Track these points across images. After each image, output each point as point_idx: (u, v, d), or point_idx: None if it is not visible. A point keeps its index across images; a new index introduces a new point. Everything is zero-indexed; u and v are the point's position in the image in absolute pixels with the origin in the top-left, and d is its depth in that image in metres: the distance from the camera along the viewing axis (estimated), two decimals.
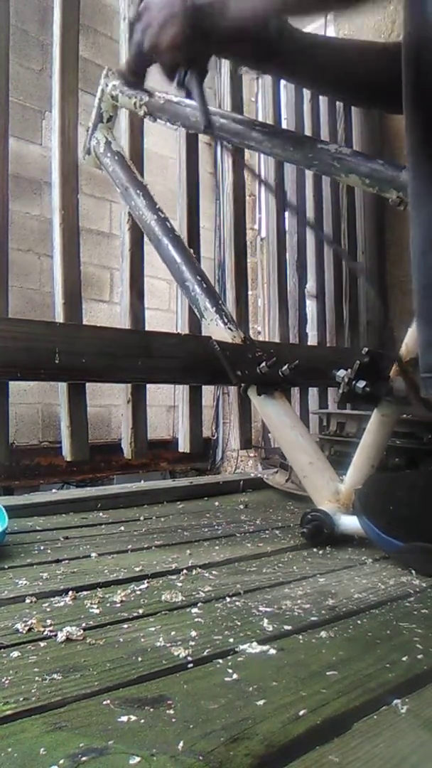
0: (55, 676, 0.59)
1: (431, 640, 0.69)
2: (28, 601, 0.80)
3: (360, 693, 0.56)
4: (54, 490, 1.71)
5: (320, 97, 2.33)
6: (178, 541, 1.15)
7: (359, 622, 0.74)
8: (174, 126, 1.42)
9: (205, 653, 0.64)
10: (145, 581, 0.88)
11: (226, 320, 1.32)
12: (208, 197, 3.46)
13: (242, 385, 1.28)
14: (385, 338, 2.38)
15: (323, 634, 0.70)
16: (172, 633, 0.70)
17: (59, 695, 0.55)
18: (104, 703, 0.54)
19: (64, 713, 0.52)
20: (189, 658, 0.63)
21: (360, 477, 1.16)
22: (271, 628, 0.71)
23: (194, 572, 0.94)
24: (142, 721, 0.51)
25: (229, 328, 1.31)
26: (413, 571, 0.96)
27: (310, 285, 2.31)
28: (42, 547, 1.08)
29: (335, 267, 2.34)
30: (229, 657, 0.63)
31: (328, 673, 0.60)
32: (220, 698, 0.55)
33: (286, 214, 2.22)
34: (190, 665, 0.62)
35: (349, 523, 1.11)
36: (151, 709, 0.52)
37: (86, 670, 0.60)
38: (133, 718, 0.51)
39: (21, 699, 0.54)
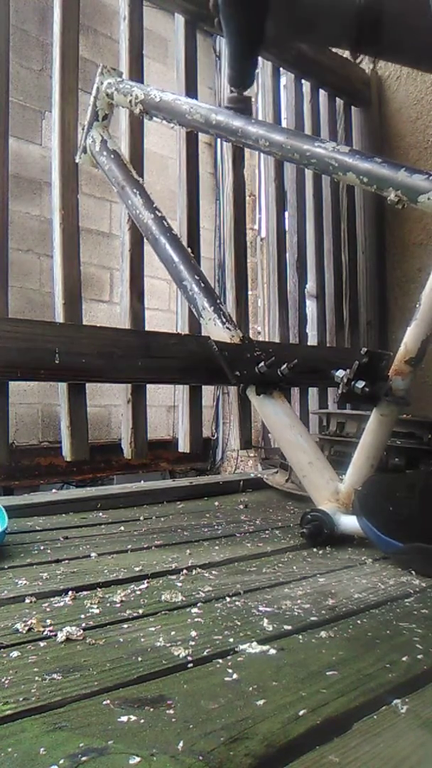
0: (55, 676, 0.59)
1: (431, 640, 0.69)
2: (28, 601, 0.80)
3: (360, 693, 0.56)
4: (54, 490, 1.71)
5: (320, 97, 2.33)
6: (178, 541, 1.15)
7: (359, 622, 0.74)
8: (170, 124, 1.42)
9: (205, 653, 0.64)
10: (145, 581, 0.88)
11: (224, 320, 1.32)
12: (208, 197, 3.46)
13: (241, 385, 1.28)
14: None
15: (323, 634, 0.70)
16: (172, 633, 0.70)
17: (59, 695, 0.55)
18: (104, 703, 0.54)
19: (64, 713, 0.52)
20: (189, 658, 0.63)
21: (359, 477, 1.16)
22: (271, 628, 0.71)
23: (194, 572, 0.94)
24: (142, 721, 0.51)
25: (228, 328, 1.31)
26: (413, 571, 0.96)
27: (310, 285, 2.31)
28: (42, 547, 1.08)
29: (335, 267, 2.34)
30: (229, 657, 0.63)
31: (328, 673, 0.60)
32: (220, 698, 0.55)
33: (286, 214, 2.22)
34: (190, 665, 0.62)
35: (349, 523, 1.11)
36: (151, 709, 0.52)
37: (86, 670, 0.60)
38: (133, 718, 0.51)
39: (21, 699, 0.54)
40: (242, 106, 1.29)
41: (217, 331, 1.32)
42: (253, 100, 1.38)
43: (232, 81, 1.30)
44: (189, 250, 1.44)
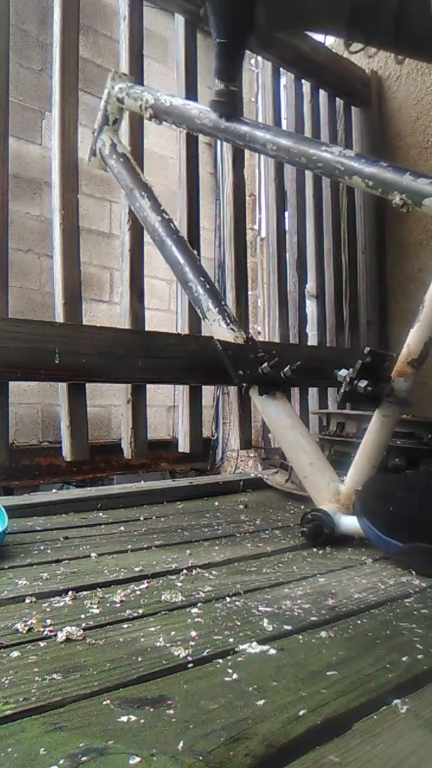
0: (55, 676, 0.59)
1: (431, 640, 0.69)
2: (28, 601, 0.80)
3: (360, 693, 0.56)
4: (54, 490, 1.71)
5: (320, 97, 2.33)
6: (178, 541, 1.15)
7: (359, 622, 0.74)
8: (180, 128, 1.43)
9: (205, 653, 0.64)
10: (145, 581, 0.88)
11: (228, 321, 1.33)
12: (208, 197, 3.46)
13: (244, 385, 1.28)
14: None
15: (323, 634, 0.70)
16: (172, 633, 0.70)
17: (59, 695, 0.55)
18: (104, 703, 0.54)
19: (64, 713, 0.52)
20: (189, 658, 0.63)
21: (360, 477, 1.16)
22: (271, 628, 0.71)
23: (194, 572, 0.94)
24: (142, 721, 0.51)
25: (232, 329, 1.32)
26: (413, 571, 0.96)
27: (310, 285, 2.31)
28: (42, 547, 1.08)
29: (335, 267, 2.34)
30: (229, 657, 0.63)
31: (328, 673, 0.60)
32: (220, 698, 0.55)
33: (286, 214, 2.22)
34: (190, 665, 0.62)
35: (349, 523, 1.11)
36: (151, 709, 0.52)
37: (86, 670, 0.60)
38: (133, 718, 0.51)
39: (21, 699, 0.54)
40: (229, 100, 1.26)
41: (221, 331, 1.32)
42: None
43: (219, 74, 1.26)
44: (194, 252, 1.44)
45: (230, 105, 1.25)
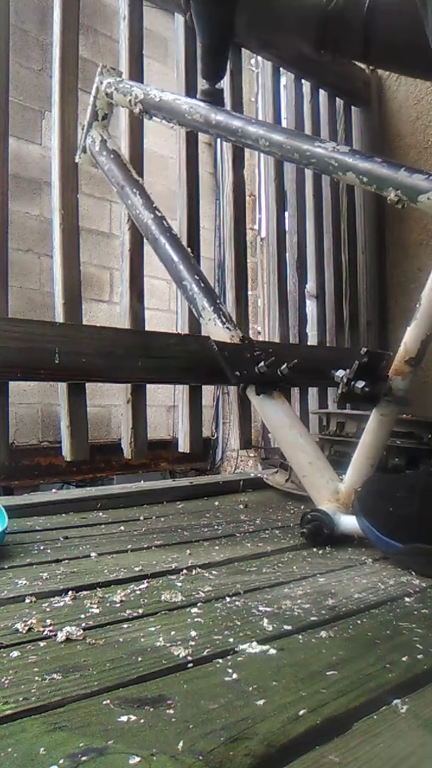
0: (55, 676, 0.59)
1: (431, 640, 0.69)
2: (27, 601, 0.80)
3: (360, 693, 0.56)
4: (54, 490, 1.71)
5: (320, 97, 2.33)
6: (178, 541, 1.15)
7: (359, 622, 0.74)
8: (170, 124, 1.43)
9: (205, 653, 0.64)
10: (145, 581, 0.88)
11: (224, 320, 1.32)
12: (208, 197, 3.46)
13: (241, 384, 1.28)
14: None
15: (323, 634, 0.70)
16: (172, 633, 0.70)
17: (59, 695, 0.55)
18: (104, 703, 0.54)
19: (64, 713, 0.52)
20: (189, 658, 0.63)
21: (359, 477, 1.16)
22: (271, 628, 0.71)
23: (194, 572, 0.94)
24: (142, 721, 0.51)
25: (228, 328, 1.31)
26: (413, 572, 0.96)
27: (310, 285, 2.30)
28: (42, 547, 1.08)
29: (335, 267, 2.34)
30: (229, 657, 0.63)
31: (328, 673, 0.60)
32: (220, 698, 0.55)
33: (286, 214, 2.22)
34: (190, 665, 0.62)
35: (349, 523, 1.11)
36: (151, 709, 0.52)
37: (86, 670, 0.60)
38: (133, 718, 0.51)
39: (21, 699, 0.54)
40: (214, 99, 1.33)
41: (217, 331, 1.32)
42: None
43: (203, 74, 1.35)
44: (189, 250, 1.44)
45: (216, 103, 1.33)
